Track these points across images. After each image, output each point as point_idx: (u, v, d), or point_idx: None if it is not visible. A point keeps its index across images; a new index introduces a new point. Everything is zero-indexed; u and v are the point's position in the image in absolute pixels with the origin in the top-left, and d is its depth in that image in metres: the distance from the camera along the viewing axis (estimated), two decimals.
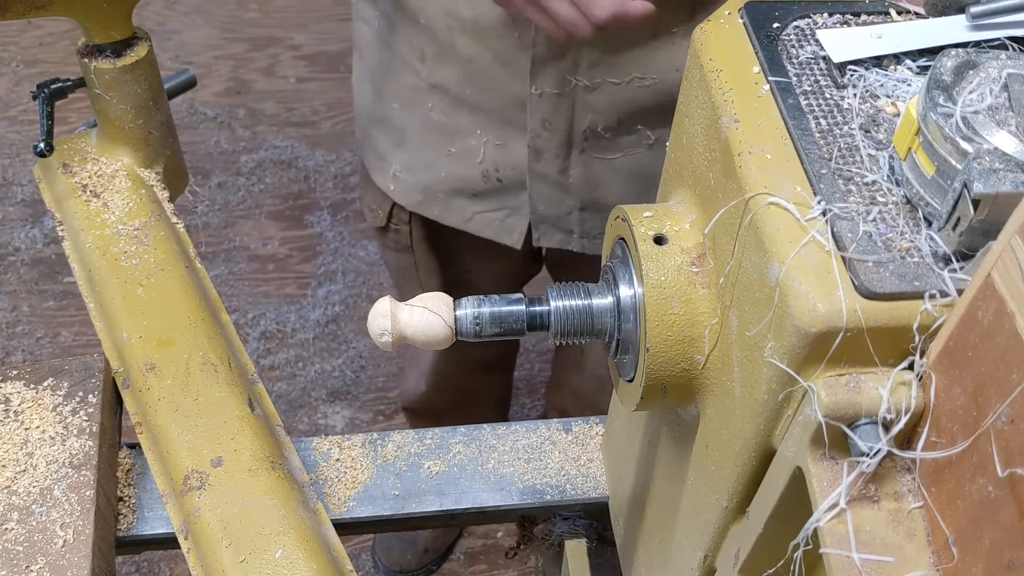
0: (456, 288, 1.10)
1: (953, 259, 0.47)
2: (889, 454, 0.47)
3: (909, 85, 0.57)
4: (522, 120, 1.10)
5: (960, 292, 0.46)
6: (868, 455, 0.47)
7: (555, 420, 0.99)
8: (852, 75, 0.57)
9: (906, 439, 0.49)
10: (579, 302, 0.65)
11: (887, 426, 0.47)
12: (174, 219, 1.04)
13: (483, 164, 1.16)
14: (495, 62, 1.07)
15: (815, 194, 0.51)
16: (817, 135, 0.54)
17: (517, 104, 1.09)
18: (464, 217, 1.22)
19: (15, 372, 0.91)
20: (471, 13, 1.04)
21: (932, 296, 0.47)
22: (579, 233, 1.21)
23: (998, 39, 0.56)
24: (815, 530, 0.49)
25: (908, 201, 0.51)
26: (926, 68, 0.57)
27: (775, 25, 0.60)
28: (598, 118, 1.09)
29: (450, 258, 1.38)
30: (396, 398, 2.11)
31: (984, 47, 0.55)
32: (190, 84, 1.13)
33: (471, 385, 1.69)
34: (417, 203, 1.23)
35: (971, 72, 0.50)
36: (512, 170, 1.15)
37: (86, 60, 0.99)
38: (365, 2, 1.18)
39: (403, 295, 1.32)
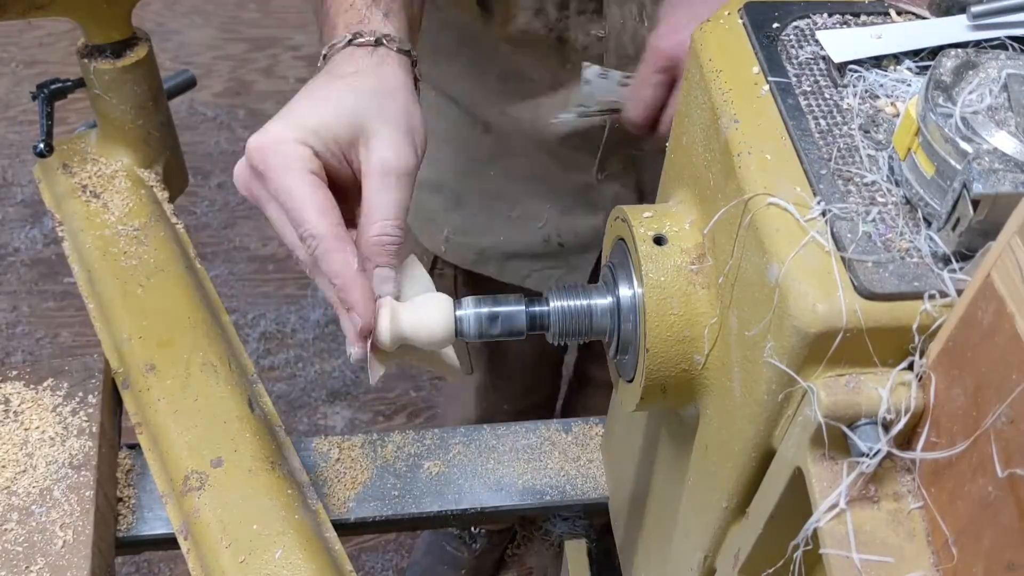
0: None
1: (953, 259, 0.47)
2: (889, 454, 0.47)
3: (909, 85, 0.56)
4: (589, 196, 1.09)
5: (960, 292, 0.46)
6: (868, 455, 0.47)
7: (555, 420, 0.99)
8: (852, 75, 0.57)
9: (906, 439, 0.49)
10: (579, 302, 0.65)
11: (887, 426, 0.47)
12: (174, 219, 1.04)
13: (544, 228, 1.14)
14: (557, 163, 1.06)
15: (815, 194, 0.51)
16: (817, 135, 0.54)
17: (584, 186, 1.09)
18: (522, 275, 1.20)
19: (15, 372, 0.91)
20: (531, 128, 1.03)
21: (932, 296, 0.47)
22: None
23: (998, 39, 0.56)
24: (815, 530, 0.49)
25: (908, 201, 0.51)
26: (926, 68, 0.57)
27: (775, 25, 0.60)
28: None
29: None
30: (396, 398, 2.11)
31: (984, 47, 0.55)
32: (190, 84, 1.13)
33: None
34: (471, 263, 1.21)
35: (971, 72, 0.50)
36: (575, 236, 1.14)
37: (86, 60, 0.99)
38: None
39: None
